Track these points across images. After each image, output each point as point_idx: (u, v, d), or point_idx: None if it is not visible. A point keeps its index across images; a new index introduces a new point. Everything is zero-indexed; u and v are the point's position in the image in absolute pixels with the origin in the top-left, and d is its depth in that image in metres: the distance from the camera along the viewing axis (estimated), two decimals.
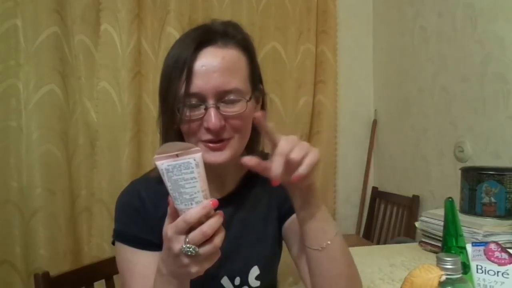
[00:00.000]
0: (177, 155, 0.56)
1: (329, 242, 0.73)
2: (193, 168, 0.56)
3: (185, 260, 0.59)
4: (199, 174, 0.56)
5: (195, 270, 0.60)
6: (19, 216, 1.79)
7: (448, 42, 1.93)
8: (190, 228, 0.58)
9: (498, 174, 1.22)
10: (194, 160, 0.56)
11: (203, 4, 2.13)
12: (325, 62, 2.40)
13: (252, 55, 0.79)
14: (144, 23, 2.02)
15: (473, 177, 1.26)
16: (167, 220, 0.61)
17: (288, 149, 0.63)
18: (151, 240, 0.76)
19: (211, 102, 0.71)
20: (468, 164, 1.77)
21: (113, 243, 0.81)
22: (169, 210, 0.60)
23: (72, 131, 1.91)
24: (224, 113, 0.72)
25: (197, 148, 0.57)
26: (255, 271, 0.83)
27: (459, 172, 1.35)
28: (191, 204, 0.57)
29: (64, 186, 1.86)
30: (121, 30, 1.93)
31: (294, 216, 0.83)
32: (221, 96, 0.72)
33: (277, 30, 2.29)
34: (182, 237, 0.58)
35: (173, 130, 0.75)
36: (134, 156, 1.97)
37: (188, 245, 0.57)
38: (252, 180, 0.86)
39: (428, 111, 2.09)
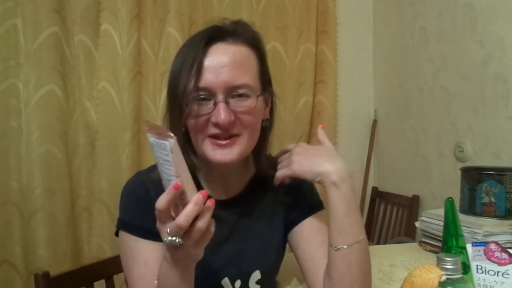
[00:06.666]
0: (159, 134, 0.56)
1: (345, 246, 0.74)
2: (167, 152, 0.56)
3: (175, 250, 0.59)
4: (174, 160, 0.56)
5: (193, 255, 0.61)
6: (19, 216, 1.78)
7: (448, 42, 1.93)
8: (170, 217, 0.58)
9: (498, 174, 1.22)
10: (169, 144, 0.55)
11: (203, 4, 2.13)
12: (325, 62, 2.39)
13: (262, 54, 0.78)
14: (144, 23, 2.02)
15: (473, 177, 1.26)
16: None
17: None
18: (154, 230, 0.76)
19: (220, 97, 0.70)
20: (468, 164, 1.77)
21: (116, 234, 0.81)
22: None
23: (72, 131, 1.91)
24: (233, 109, 0.71)
25: (171, 133, 0.56)
26: (256, 275, 0.83)
27: (459, 172, 1.35)
28: (168, 183, 0.58)
29: (64, 186, 1.85)
30: (121, 30, 1.93)
31: (302, 222, 0.84)
32: (231, 91, 0.71)
33: (277, 30, 2.29)
34: (165, 228, 0.58)
35: (180, 127, 0.74)
36: (134, 156, 1.97)
37: (168, 239, 0.57)
38: (259, 185, 0.86)
39: (428, 111, 2.09)
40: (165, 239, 0.57)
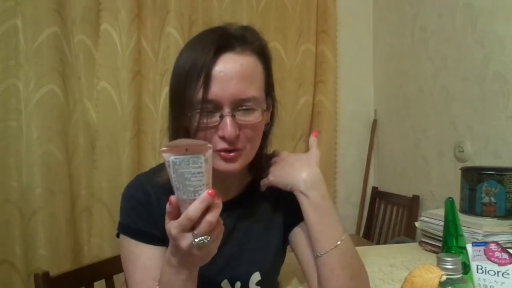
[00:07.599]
0: (186, 150, 0.56)
1: (323, 253, 0.75)
2: (202, 163, 0.57)
3: (197, 252, 0.60)
4: (207, 169, 0.57)
5: (209, 256, 0.62)
6: (19, 216, 1.79)
7: (448, 42, 1.93)
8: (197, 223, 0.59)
9: (498, 174, 1.22)
10: (204, 156, 0.56)
11: (203, 4, 2.13)
12: (325, 62, 2.40)
13: (268, 62, 0.78)
14: (144, 23, 2.02)
15: (473, 177, 1.26)
16: (166, 217, 0.61)
17: None
18: (154, 234, 0.76)
19: (227, 110, 0.70)
20: (468, 164, 1.77)
21: (118, 236, 0.81)
22: (168, 207, 0.60)
23: (72, 131, 1.91)
24: (239, 122, 0.71)
25: (209, 145, 0.57)
26: (256, 277, 0.83)
27: (459, 172, 1.35)
28: (194, 195, 0.58)
29: (64, 186, 1.85)
30: (121, 30, 1.93)
31: (301, 224, 0.84)
32: (238, 105, 0.70)
33: (277, 30, 2.29)
34: (188, 234, 0.59)
35: (184, 136, 0.73)
36: (134, 156, 1.97)
37: (198, 239, 0.58)
38: (257, 187, 0.86)
39: (428, 111, 2.09)
40: (195, 240, 0.58)
